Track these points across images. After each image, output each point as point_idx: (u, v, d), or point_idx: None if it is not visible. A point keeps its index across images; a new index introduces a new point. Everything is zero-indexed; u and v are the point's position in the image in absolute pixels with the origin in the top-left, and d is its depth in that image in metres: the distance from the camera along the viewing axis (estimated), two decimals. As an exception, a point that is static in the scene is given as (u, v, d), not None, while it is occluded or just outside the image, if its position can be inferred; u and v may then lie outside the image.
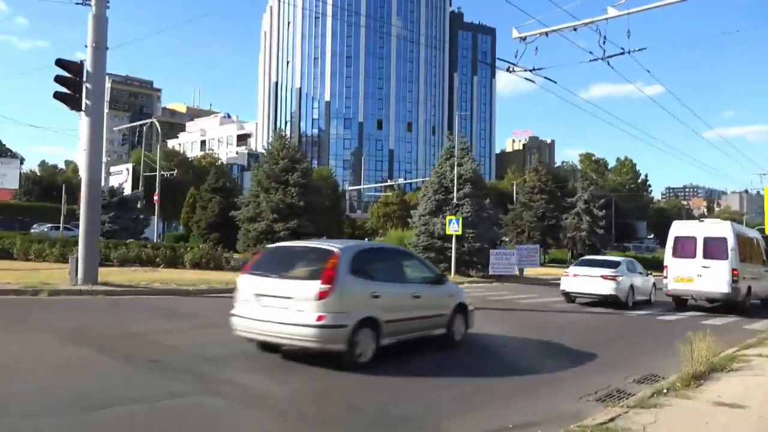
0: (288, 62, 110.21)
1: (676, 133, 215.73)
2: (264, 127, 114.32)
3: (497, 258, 28.41)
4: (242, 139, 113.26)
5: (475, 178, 29.84)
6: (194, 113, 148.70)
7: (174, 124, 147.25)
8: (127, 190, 55.04)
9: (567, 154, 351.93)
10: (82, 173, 16.01)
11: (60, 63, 15.83)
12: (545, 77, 16.09)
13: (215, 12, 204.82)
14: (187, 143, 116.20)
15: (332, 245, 8.29)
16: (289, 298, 7.61)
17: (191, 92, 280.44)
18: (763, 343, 11.53)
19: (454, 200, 27.79)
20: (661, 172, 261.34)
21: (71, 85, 15.80)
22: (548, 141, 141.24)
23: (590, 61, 14.66)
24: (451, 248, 27.34)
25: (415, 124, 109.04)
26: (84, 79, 15.82)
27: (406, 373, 7.90)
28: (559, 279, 19.87)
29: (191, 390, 6.50)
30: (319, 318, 7.35)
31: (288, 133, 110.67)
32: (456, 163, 28.32)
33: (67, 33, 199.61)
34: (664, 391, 7.08)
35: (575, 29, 14.67)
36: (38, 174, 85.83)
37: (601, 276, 18.05)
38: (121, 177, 58.55)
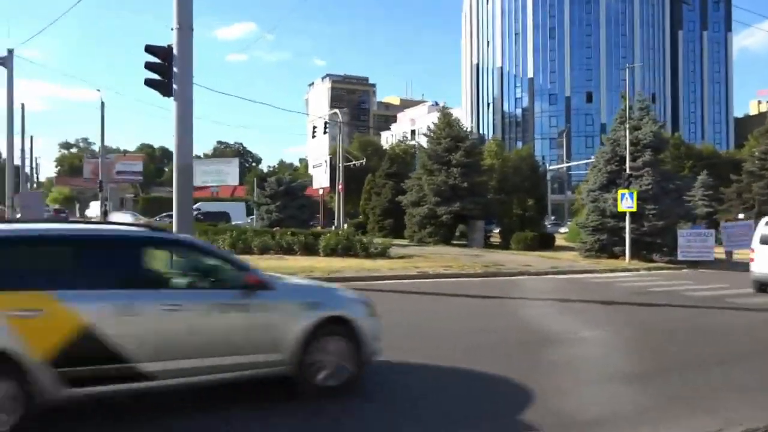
0: (488, 42, 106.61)
1: None
2: (468, 111, 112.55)
3: (688, 239, 23.05)
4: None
5: (658, 143, 24.55)
6: (407, 104, 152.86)
7: (389, 117, 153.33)
8: (325, 182, 57.56)
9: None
10: (174, 159, 15.67)
11: (149, 49, 15.62)
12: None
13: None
14: (399, 133, 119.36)
15: None
16: None
17: (405, 85, 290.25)
18: None
19: (627, 170, 23.06)
20: None
21: (160, 71, 15.56)
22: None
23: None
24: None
25: (630, 93, 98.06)
26: (172, 63, 15.51)
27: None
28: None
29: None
30: None
31: (491, 114, 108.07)
32: (628, 127, 23.55)
33: (305, 41, 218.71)
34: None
35: None
36: (263, 171, 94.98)
37: None
38: (321, 169, 61.51)
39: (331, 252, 22.51)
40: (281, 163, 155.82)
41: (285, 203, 32.76)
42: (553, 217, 67.77)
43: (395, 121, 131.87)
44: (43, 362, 4.42)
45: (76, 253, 5.02)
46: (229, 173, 72.98)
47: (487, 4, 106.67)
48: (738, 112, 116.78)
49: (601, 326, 10.17)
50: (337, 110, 47.54)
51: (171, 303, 5.05)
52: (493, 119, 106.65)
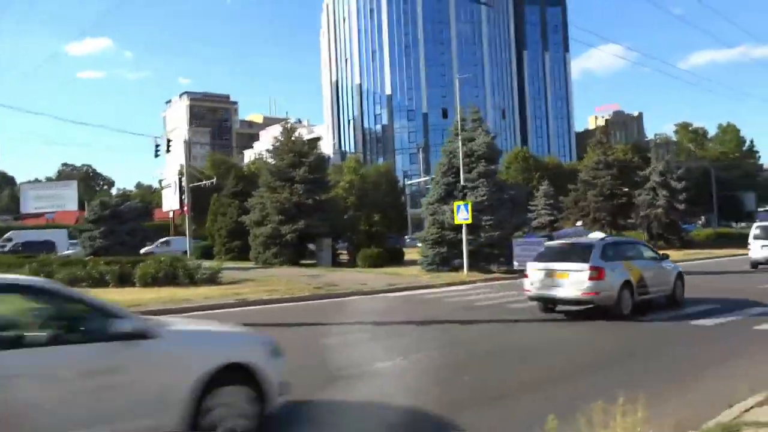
0: (346, 60, 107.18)
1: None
2: (331, 129, 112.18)
3: (523, 248, 23.24)
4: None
5: (491, 153, 24.76)
6: (270, 122, 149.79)
7: (253, 135, 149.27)
8: (175, 204, 53.77)
9: (663, 128, 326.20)
10: None
11: None
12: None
13: (278, 16, 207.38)
14: (262, 152, 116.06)
15: None
16: None
17: (269, 103, 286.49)
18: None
19: (462, 182, 22.92)
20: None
21: None
22: (635, 114, 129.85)
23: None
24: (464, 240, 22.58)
25: (482, 110, 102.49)
26: None
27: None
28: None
29: None
30: None
31: (352, 131, 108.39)
32: (461, 138, 23.45)
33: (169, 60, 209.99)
34: None
35: None
36: (111, 195, 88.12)
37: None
38: (170, 191, 57.65)
39: (152, 281, 20.19)
40: (138, 184, 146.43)
41: (111, 228, 29.59)
42: (414, 232, 68.21)
43: (258, 140, 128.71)
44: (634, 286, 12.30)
45: (628, 249, 13.48)
46: (68, 197, 66.73)
47: (344, 22, 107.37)
48: (582, 127, 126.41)
49: (405, 353, 9.14)
50: (178, 128, 44.41)
51: (651, 265, 13.35)
52: (355, 136, 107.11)
